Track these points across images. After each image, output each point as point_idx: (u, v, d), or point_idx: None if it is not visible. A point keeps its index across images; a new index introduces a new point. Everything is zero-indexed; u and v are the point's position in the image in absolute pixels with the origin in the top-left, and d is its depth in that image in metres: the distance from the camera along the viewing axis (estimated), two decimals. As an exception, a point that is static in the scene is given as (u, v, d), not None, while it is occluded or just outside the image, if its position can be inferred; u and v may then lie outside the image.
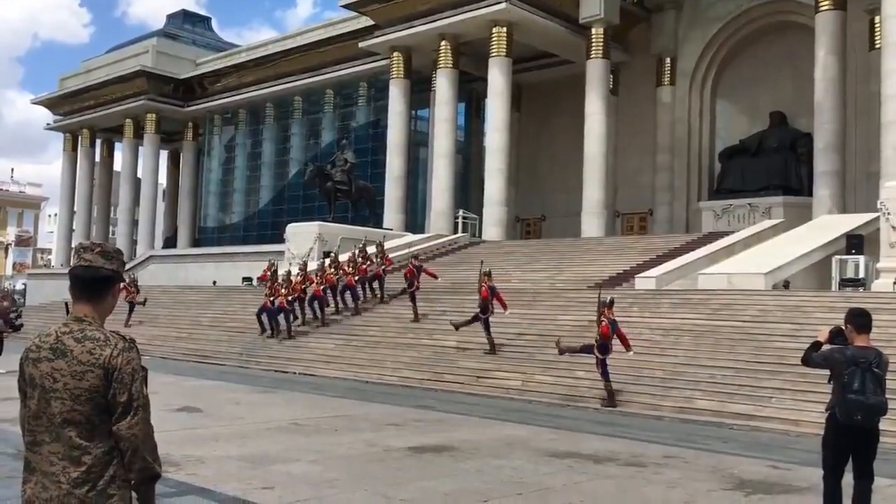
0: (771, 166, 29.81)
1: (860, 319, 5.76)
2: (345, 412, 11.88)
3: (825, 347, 5.84)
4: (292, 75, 43.03)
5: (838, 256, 19.52)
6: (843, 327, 5.81)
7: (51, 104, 54.13)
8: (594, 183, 30.71)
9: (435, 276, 20.01)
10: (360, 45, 36.43)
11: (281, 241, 31.80)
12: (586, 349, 13.28)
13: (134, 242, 49.58)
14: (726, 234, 24.70)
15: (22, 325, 17.21)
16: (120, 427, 2.64)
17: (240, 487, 6.68)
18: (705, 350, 14.14)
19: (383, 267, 21.78)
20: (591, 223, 30.45)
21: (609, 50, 31.79)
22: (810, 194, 26.54)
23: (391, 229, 33.66)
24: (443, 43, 33.28)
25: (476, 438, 9.79)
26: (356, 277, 21.32)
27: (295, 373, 17.44)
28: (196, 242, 48.63)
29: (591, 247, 27.09)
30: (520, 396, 14.01)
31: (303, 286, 20.61)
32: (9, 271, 75.09)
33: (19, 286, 56.70)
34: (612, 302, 13.30)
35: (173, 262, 39.71)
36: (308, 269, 21.77)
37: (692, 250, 22.61)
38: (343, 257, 22.76)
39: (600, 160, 30.93)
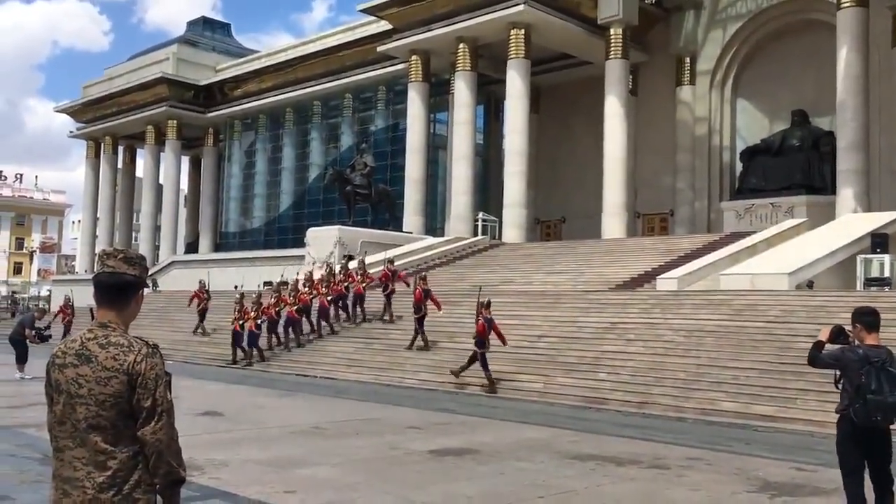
0: (793, 165, 29.51)
1: (869, 318, 5.67)
2: (366, 415, 11.90)
3: (828, 347, 5.75)
4: (311, 80, 43.26)
5: (863, 256, 19.31)
6: (853, 327, 5.72)
7: (73, 112, 54.79)
8: (614, 184, 30.58)
9: (439, 307, 18.30)
10: (379, 49, 36.57)
11: (302, 245, 31.96)
12: (473, 357, 14.65)
13: (156, 248, 50.05)
14: (749, 234, 24.51)
15: (51, 336, 17.50)
16: (145, 432, 2.65)
17: (262, 491, 6.71)
18: (728, 351, 14.03)
19: (364, 284, 21.24)
20: (612, 224, 30.31)
21: (628, 50, 31.67)
22: (833, 193, 26.25)
23: (411, 233, 33.76)
24: (461, 46, 33.32)
25: (498, 441, 9.77)
26: (329, 298, 20.87)
27: (316, 376, 17.50)
28: (218, 247, 49.02)
29: (612, 248, 26.98)
30: (541, 399, 13.97)
31: (276, 308, 20.14)
32: (34, 278, 76.06)
33: (44, 292, 57.39)
34: (489, 303, 14.99)
35: (195, 266, 39.99)
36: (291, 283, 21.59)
37: (714, 251, 22.47)
38: (316, 275, 22.41)
39: (620, 161, 30.79)
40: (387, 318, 20.43)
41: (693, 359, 14.07)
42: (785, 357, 13.14)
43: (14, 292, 70.48)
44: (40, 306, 25.11)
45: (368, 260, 27.01)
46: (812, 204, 27.57)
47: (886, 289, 18.03)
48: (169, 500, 2.74)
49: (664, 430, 11.11)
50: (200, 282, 24.82)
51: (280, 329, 20.28)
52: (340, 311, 21.34)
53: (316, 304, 20.67)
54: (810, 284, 18.34)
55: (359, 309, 21.09)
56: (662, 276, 20.37)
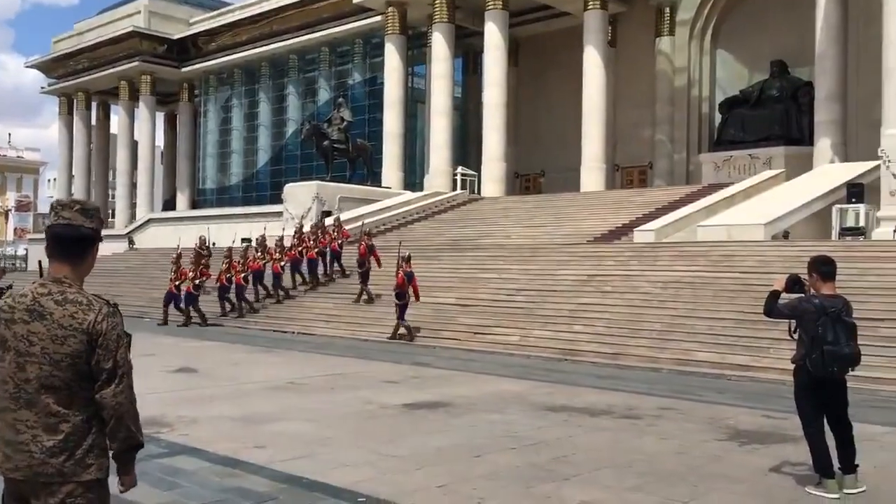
0: (772, 116, 29.41)
1: (826, 268, 5.65)
2: (342, 370, 11.89)
3: (784, 297, 5.74)
4: (287, 33, 42.43)
5: (839, 206, 19.39)
6: (809, 276, 5.69)
7: (45, 67, 53.59)
8: (593, 137, 30.39)
9: (379, 264, 18.23)
10: (355, 0, 35.84)
11: (280, 201, 31.66)
12: (399, 306, 15.62)
13: (133, 205, 49.46)
14: (727, 185, 24.51)
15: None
16: (104, 395, 2.54)
17: (231, 447, 6.67)
18: (704, 302, 14.10)
19: (340, 241, 20.85)
20: (591, 177, 30.20)
21: (607, 1, 31.22)
22: (811, 144, 26.20)
23: (389, 188, 33.52)
24: (438, -3, 32.73)
25: (472, 394, 9.79)
26: (282, 263, 20.34)
27: (294, 332, 17.46)
28: (195, 204, 48.52)
29: (590, 201, 26.94)
30: (518, 352, 14.02)
31: (228, 275, 19.85)
32: (10, 237, 75.15)
33: (21, 251, 56.76)
34: (409, 257, 15.84)
35: (172, 224, 39.57)
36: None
37: (692, 202, 22.49)
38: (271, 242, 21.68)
39: (599, 113, 30.57)
40: (366, 297, 18.66)
41: (669, 310, 14.14)
42: (760, 307, 13.07)
43: (-10, 252, 69.64)
44: (2, 266, 24.08)
45: (345, 216, 26.87)
46: (790, 155, 27.53)
47: (861, 238, 18.15)
48: (125, 464, 2.64)
49: (639, 381, 11.19)
50: (200, 237, 23.79)
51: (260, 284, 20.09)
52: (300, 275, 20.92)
53: (269, 268, 20.26)
54: (786, 235, 18.43)
55: (336, 265, 20.94)
56: (640, 228, 20.39)
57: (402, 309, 15.65)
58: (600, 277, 16.58)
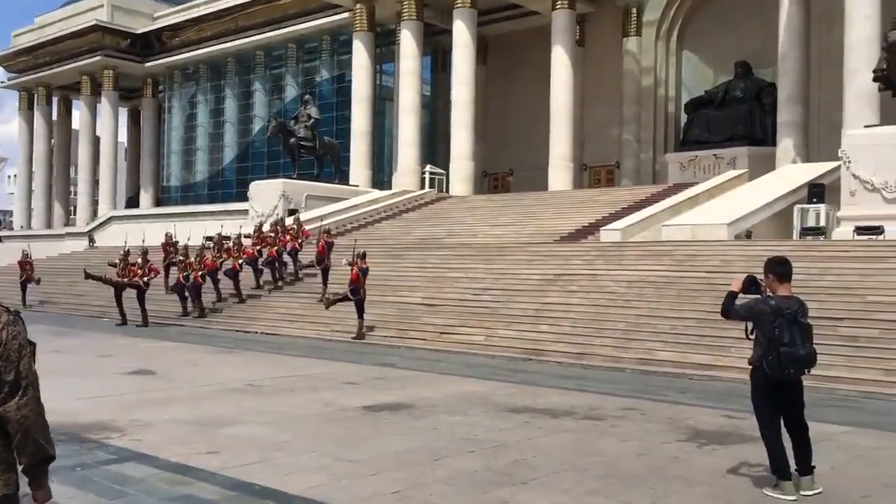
0: (736, 117, 29.70)
1: (781, 268, 5.63)
2: (304, 371, 11.72)
3: (741, 298, 5.72)
4: (253, 29, 42.00)
5: (800, 206, 19.60)
6: (765, 277, 5.68)
7: (4, 61, 52.49)
8: (561, 136, 30.47)
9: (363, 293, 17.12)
10: (322, -3, 35.58)
11: (246, 199, 31.29)
12: (347, 297, 15.74)
13: (95, 203, 48.62)
14: (691, 185, 24.68)
15: None
16: (8, 408, 2.42)
17: (183, 453, 6.50)
18: (668, 301, 14.15)
19: (300, 240, 20.57)
20: (559, 177, 30.28)
21: (575, 0, 31.29)
22: (775, 145, 26.52)
23: (357, 186, 33.31)
24: (406, -7, 32.57)
25: (434, 395, 9.70)
26: (240, 262, 20.04)
27: (257, 332, 17.23)
28: (159, 202, 47.86)
29: (557, 200, 26.99)
30: (483, 352, 13.95)
31: (185, 273, 19.48)
32: (-31, 234, 73.52)
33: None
34: (364, 254, 16.03)
35: (135, 222, 38.92)
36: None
37: (657, 202, 22.60)
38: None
39: (567, 112, 30.65)
40: (329, 296, 17.92)
41: (633, 309, 14.16)
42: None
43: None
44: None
45: (312, 214, 26.66)
46: (753, 155, 27.81)
47: (821, 238, 18.36)
48: (37, 478, 2.51)
49: (602, 381, 11.18)
50: (167, 234, 23.08)
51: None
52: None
53: (227, 266, 19.91)
54: (749, 234, 18.59)
55: (293, 265, 20.67)
56: (606, 227, 20.44)
57: (358, 305, 15.75)
58: (566, 277, 16.58)
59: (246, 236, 21.55)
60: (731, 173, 25.01)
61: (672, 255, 16.67)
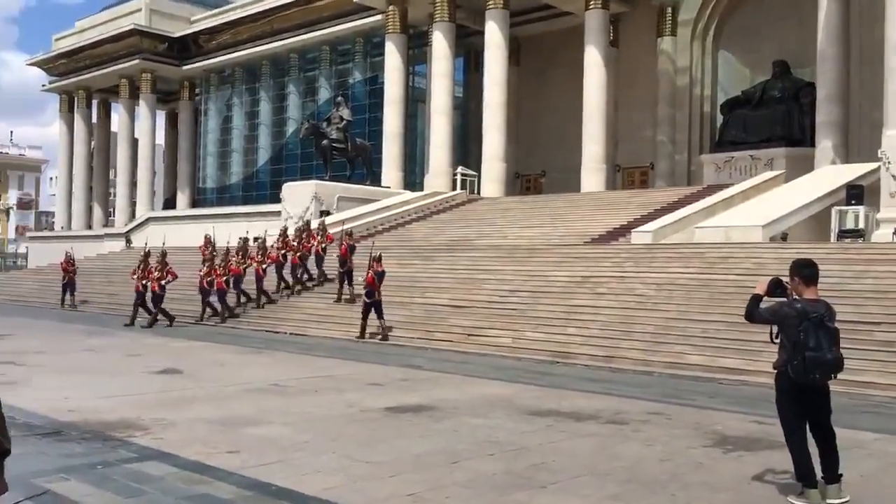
0: (773, 117, 29.19)
1: (808, 271, 5.47)
2: (330, 372, 11.74)
3: (766, 301, 5.57)
4: (288, 31, 42.34)
5: (838, 207, 19.19)
6: (791, 280, 5.52)
7: (46, 65, 53.56)
8: (594, 137, 30.22)
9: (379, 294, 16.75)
10: (355, -1, 35.73)
11: (280, 200, 31.50)
12: (366, 309, 15.96)
13: (133, 204, 49.39)
14: (727, 186, 24.32)
15: None
16: None
17: (204, 452, 6.52)
18: (698, 304, 13.92)
19: (324, 244, 20.57)
20: (591, 178, 30.03)
21: (608, 0, 31.03)
22: (813, 145, 26.01)
23: (389, 187, 33.38)
24: (438, -5, 32.59)
25: (458, 398, 9.64)
26: (264, 266, 20.14)
27: (286, 333, 17.32)
28: (195, 203, 48.44)
29: (589, 202, 26.78)
30: (510, 354, 13.86)
31: (209, 278, 19.41)
32: (11, 234, 75.20)
33: (22, 249, 56.78)
34: (380, 257, 16.10)
35: (171, 223, 39.48)
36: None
37: (691, 204, 22.29)
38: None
39: (600, 113, 30.39)
40: (347, 296, 18.44)
41: (662, 312, 13.96)
42: (754, 310, 13.02)
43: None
44: None
45: (343, 216, 26.75)
46: (791, 156, 27.32)
47: (860, 240, 17.95)
48: None
49: (629, 385, 11.03)
50: (206, 236, 22.98)
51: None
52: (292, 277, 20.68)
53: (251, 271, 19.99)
54: (784, 237, 18.24)
55: (316, 269, 20.70)
56: (637, 229, 20.21)
57: (374, 307, 15.85)
58: (595, 279, 16.41)
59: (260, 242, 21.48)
60: (768, 174, 24.59)
61: (704, 257, 16.42)
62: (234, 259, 20.04)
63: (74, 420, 7.76)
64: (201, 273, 19.35)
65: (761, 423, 8.28)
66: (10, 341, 15.06)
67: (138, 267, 19.33)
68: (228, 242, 21.56)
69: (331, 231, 21.21)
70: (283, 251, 20.55)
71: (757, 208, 19.80)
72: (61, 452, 6.52)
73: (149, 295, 18.84)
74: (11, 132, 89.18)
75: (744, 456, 6.94)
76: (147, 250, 20.21)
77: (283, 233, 21.50)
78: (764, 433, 7.81)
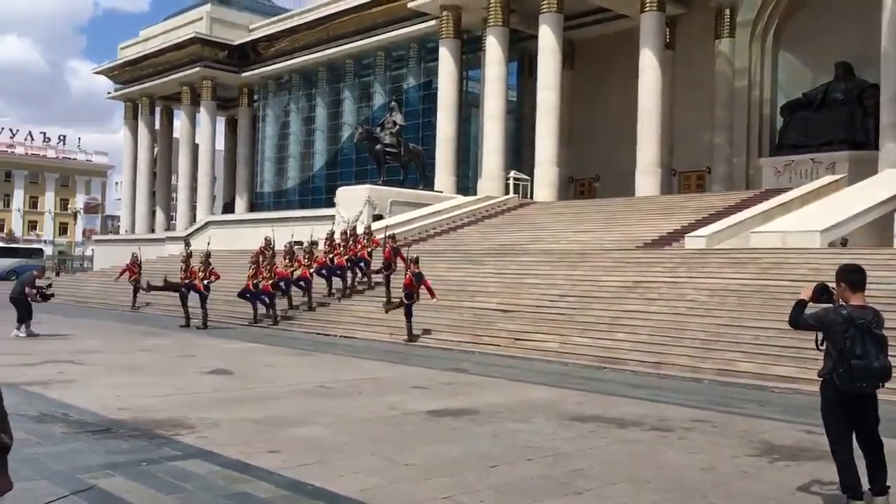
0: (835, 119, 28.45)
1: (855, 276, 5.30)
2: (375, 375, 11.83)
3: (811, 307, 5.41)
4: (344, 38, 42.94)
5: (901, 212, 18.58)
6: (837, 285, 5.36)
7: (111, 73, 55.33)
8: (649, 140, 29.87)
9: (432, 294, 16.47)
10: (409, 5, 36.05)
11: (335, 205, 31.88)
12: (402, 302, 16.25)
13: (194, 208, 50.59)
14: (786, 190, 23.76)
15: (52, 295, 17.49)
16: None
17: (245, 451, 6.64)
18: (751, 311, 13.62)
19: (370, 249, 20.73)
20: (646, 182, 29.68)
21: (664, 2, 30.66)
22: (877, 148, 25.25)
23: (442, 192, 33.51)
24: (492, 0, 32.59)
25: (501, 402, 9.62)
26: (312, 269, 20.21)
27: (336, 336, 17.51)
28: (253, 207, 49.39)
29: (642, 206, 26.45)
30: (557, 359, 13.75)
31: (255, 280, 19.55)
32: (79, 237, 77.77)
33: (88, 252, 58.64)
34: (417, 259, 16.30)
35: (231, 227, 40.31)
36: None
37: (747, 208, 21.84)
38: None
39: (655, 117, 30.03)
40: (396, 300, 18.02)
41: (714, 318, 13.70)
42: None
43: (60, 252, 72.22)
44: (42, 265, 24.29)
45: (396, 220, 26.92)
46: (854, 160, 26.60)
47: (924, 247, 17.35)
48: None
49: (677, 392, 10.85)
50: (266, 238, 23.84)
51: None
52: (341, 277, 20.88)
53: (298, 274, 20.09)
54: (844, 242, 17.73)
55: (361, 275, 20.90)
56: (691, 234, 19.88)
57: (409, 309, 16.10)
58: (646, 284, 16.20)
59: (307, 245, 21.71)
60: (828, 178, 23.95)
61: (758, 262, 16.06)
62: (282, 262, 20.31)
63: (124, 418, 7.99)
64: (249, 275, 19.66)
65: (811, 433, 8.05)
66: (71, 341, 15.56)
67: (181, 269, 19.74)
68: (286, 245, 21.87)
69: (376, 236, 21.37)
70: (330, 255, 20.77)
71: (816, 213, 19.29)
72: (109, 449, 6.72)
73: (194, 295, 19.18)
74: (79, 138, 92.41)
75: (790, 466, 6.77)
76: (189, 251, 20.74)
77: (330, 237, 21.75)
78: (813, 443, 7.60)
